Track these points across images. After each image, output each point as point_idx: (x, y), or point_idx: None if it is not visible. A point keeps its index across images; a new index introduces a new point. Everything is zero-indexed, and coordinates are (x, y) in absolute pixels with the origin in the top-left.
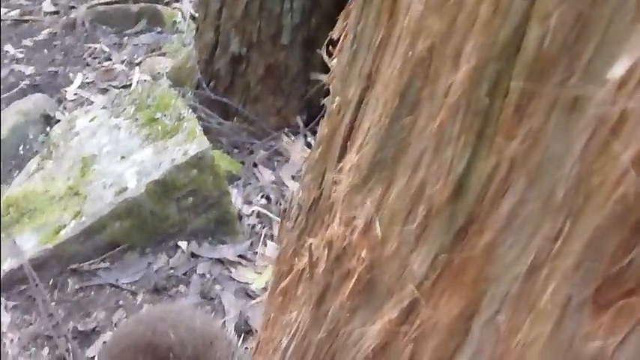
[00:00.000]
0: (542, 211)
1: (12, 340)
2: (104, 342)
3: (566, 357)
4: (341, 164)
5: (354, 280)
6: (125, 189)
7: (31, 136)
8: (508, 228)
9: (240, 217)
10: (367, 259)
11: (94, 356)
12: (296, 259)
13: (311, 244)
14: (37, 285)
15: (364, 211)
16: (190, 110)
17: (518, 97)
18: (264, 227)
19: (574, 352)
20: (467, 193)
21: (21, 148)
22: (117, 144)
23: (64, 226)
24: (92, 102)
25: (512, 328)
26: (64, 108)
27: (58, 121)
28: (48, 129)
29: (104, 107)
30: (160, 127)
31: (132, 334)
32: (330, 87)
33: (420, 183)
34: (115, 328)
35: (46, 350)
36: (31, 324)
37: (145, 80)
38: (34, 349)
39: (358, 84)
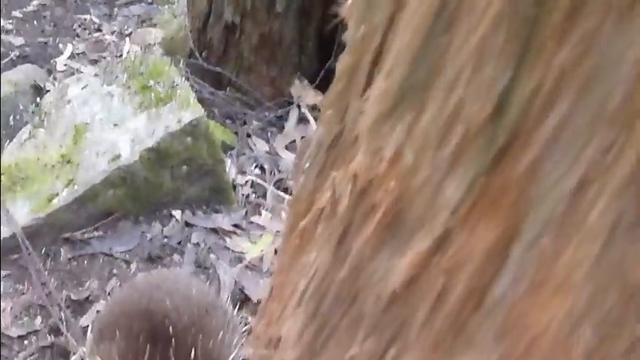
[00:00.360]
0: (594, 121)
1: (4, 310)
2: (98, 311)
3: (615, 280)
4: (367, 94)
5: (380, 214)
6: (118, 157)
7: (22, 107)
8: (555, 143)
9: (235, 187)
10: (396, 190)
11: (88, 325)
12: (315, 197)
13: (334, 177)
14: (30, 253)
15: (393, 140)
16: (184, 78)
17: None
18: (258, 197)
19: (623, 274)
20: (510, 108)
21: (11, 118)
22: (109, 112)
23: (57, 194)
24: (82, 73)
25: (556, 250)
26: (54, 79)
27: (48, 91)
28: (38, 99)
29: (96, 75)
30: (153, 95)
31: (127, 301)
32: (349, 19)
33: (457, 104)
34: (108, 297)
35: (39, 319)
36: (23, 293)
37: (136, 51)
38: (26, 318)
39: (386, 7)
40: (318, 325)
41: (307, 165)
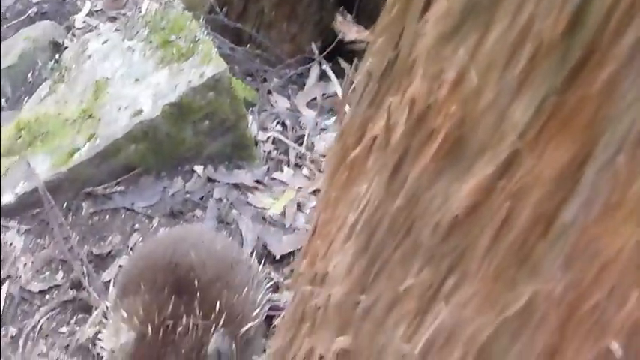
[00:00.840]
0: None
1: (25, 265)
2: (120, 266)
3: None
4: (426, 16)
5: (439, 140)
6: (140, 112)
7: (40, 63)
8: (632, 60)
9: (256, 144)
10: (457, 115)
11: (110, 280)
12: (367, 128)
13: (390, 104)
14: (52, 207)
15: (455, 62)
16: (205, 32)
17: None
18: (279, 154)
19: None
20: (585, 24)
21: (30, 75)
22: (130, 67)
23: (78, 149)
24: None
25: (631, 172)
26: (73, 35)
27: (67, 48)
28: (57, 56)
29: (116, 30)
30: (174, 50)
31: (151, 254)
32: None
33: (527, 20)
34: (131, 252)
35: (60, 274)
36: (44, 248)
37: (155, 9)
38: (48, 273)
39: None
40: (369, 258)
41: (357, 97)
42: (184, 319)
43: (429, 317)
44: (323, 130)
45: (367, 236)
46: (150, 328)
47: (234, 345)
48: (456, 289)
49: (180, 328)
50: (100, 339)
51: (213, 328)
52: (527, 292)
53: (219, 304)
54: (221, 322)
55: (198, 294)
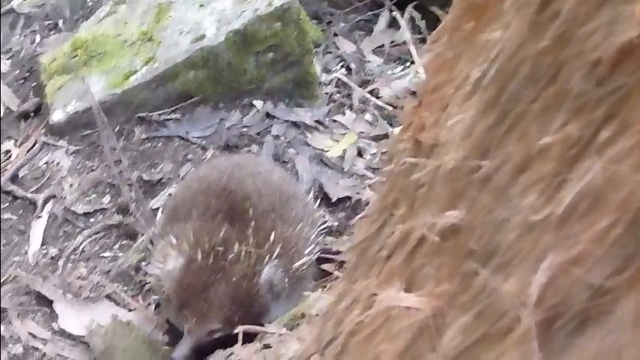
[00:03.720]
0: None
1: (71, 185)
2: (170, 194)
3: None
4: None
5: None
6: (203, 37)
7: None
8: None
9: (319, 84)
10: None
11: (159, 208)
12: None
13: None
14: (105, 129)
15: None
16: None
17: None
18: (342, 96)
19: None
20: None
21: None
22: None
23: (135, 71)
24: None
25: None
26: None
27: None
28: None
29: None
30: None
31: (206, 179)
32: None
33: None
34: (183, 178)
35: (107, 198)
36: (92, 170)
37: None
38: (94, 195)
39: None
40: (496, 116)
41: None
42: (236, 247)
43: (571, 178)
44: (389, 77)
45: (497, 90)
46: (199, 254)
47: (286, 279)
48: (611, 141)
49: (231, 256)
50: (144, 266)
51: (266, 259)
52: None
53: (274, 235)
54: (275, 254)
55: (252, 223)
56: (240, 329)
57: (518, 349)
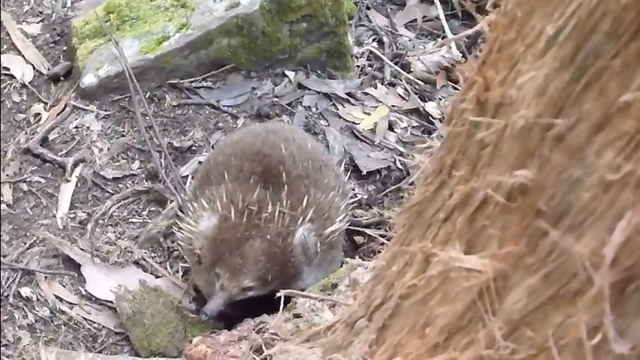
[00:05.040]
0: None
1: (100, 150)
2: (199, 162)
3: None
4: None
5: None
6: (237, 4)
7: None
8: None
9: (351, 57)
10: None
11: (188, 175)
12: None
13: None
14: (136, 94)
15: None
16: None
17: None
18: (374, 69)
19: None
20: None
21: None
22: None
23: (168, 37)
24: None
25: None
26: None
27: None
28: None
29: None
30: None
31: (239, 142)
32: None
33: None
34: (212, 149)
35: (136, 164)
36: (122, 135)
37: None
38: (123, 161)
39: None
40: (573, 72)
41: None
42: (270, 207)
43: None
44: (421, 51)
45: (574, 46)
46: (233, 213)
47: (319, 244)
48: None
49: (265, 215)
50: (173, 232)
51: (300, 221)
52: None
53: (307, 199)
54: (308, 218)
55: (285, 187)
56: (281, 293)
57: (588, 312)
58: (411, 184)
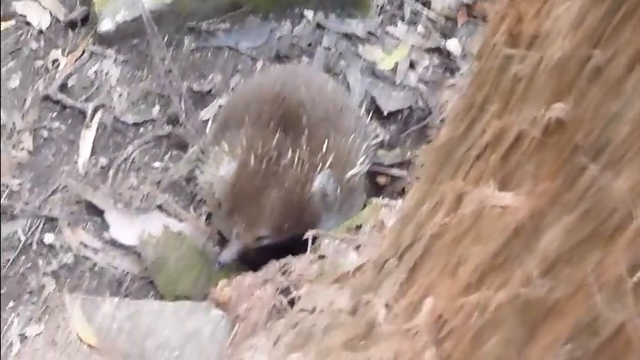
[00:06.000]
0: None
1: (120, 95)
2: (220, 106)
3: None
4: None
5: None
6: None
7: None
8: None
9: None
10: None
11: (209, 119)
12: None
13: None
14: (155, 38)
15: None
16: None
17: None
18: (394, 8)
19: None
20: None
21: None
22: None
23: None
24: None
25: None
26: None
27: None
28: None
29: None
30: None
31: (259, 85)
32: None
33: None
34: (231, 92)
35: (156, 108)
36: (142, 80)
37: None
38: (143, 106)
39: None
40: (611, 3)
41: None
42: (289, 154)
43: None
44: None
45: None
46: (252, 159)
47: (338, 189)
48: None
49: (284, 162)
50: (195, 176)
51: (319, 167)
52: None
53: (327, 144)
54: (327, 163)
55: (305, 131)
56: (308, 234)
57: (628, 249)
58: (434, 123)
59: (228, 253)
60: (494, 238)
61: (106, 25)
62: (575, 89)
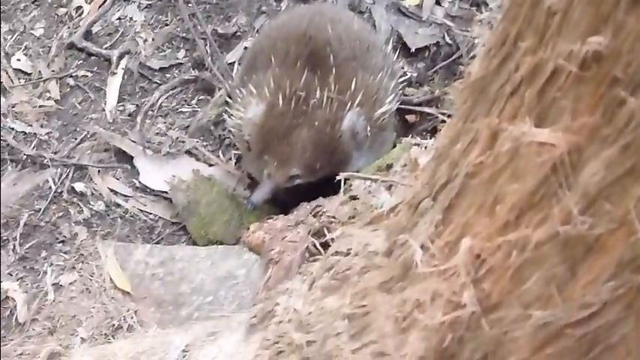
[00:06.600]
0: None
1: (145, 41)
2: (245, 48)
3: None
4: None
5: None
6: None
7: None
8: None
9: None
10: None
11: (234, 62)
12: None
13: None
14: None
15: None
16: None
17: None
18: None
19: None
20: None
21: None
22: None
23: None
24: None
25: None
26: None
27: None
28: None
29: None
30: None
31: (285, 25)
32: None
33: None
34: (256, 35)
35: (182, 52)
36: (166, 24)
37: None
38: (169, 50)
39: None
40: None
41: None
42: (318, 93)
43: None
44: None
45: None
46: (281, 99)
47: (368, 128)
48: None
49: (313, 101)
50: (223, 120)
51: (348, 106)
52: None
53: (355, 83)
54: (356, 102)
55: (333, 70)
56: (340, 176)
57: None
58: (462, 59)
59: (261, 193)
60: (531, 175)
61: None
62: (612, 21)
